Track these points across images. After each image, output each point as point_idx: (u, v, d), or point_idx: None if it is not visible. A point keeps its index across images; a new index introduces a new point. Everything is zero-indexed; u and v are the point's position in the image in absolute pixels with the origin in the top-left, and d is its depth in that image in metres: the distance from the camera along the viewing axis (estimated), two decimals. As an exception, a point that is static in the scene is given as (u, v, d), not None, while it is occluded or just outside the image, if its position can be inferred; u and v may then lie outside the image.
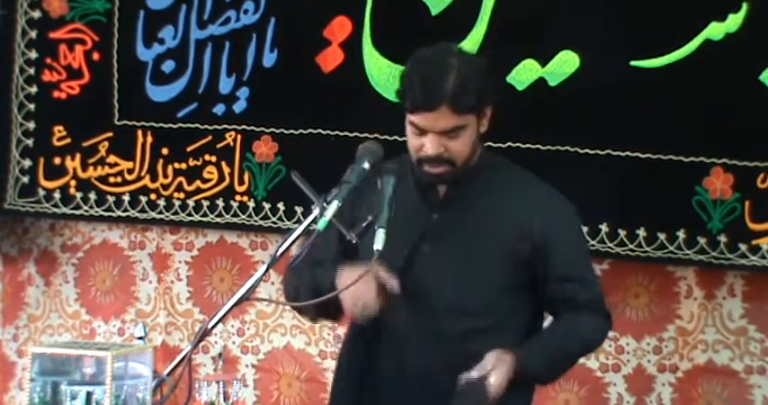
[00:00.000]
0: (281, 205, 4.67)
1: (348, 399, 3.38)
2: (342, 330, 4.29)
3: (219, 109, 4.77)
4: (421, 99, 3.13)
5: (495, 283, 3.23)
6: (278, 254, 3.06)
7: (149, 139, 4.88)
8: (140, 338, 3.02)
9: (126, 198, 4.91)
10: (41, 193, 5.04)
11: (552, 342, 3.26)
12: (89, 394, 2.73)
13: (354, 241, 3.10)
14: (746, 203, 4.02)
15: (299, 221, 3.26)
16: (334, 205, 3.02)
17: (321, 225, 3.00)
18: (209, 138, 4.79)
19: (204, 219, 4.81)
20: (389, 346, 3.27)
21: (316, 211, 3.06)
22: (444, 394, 3.10)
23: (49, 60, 5.03)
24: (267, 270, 3.05)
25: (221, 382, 3.22)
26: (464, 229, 3.25)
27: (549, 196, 3.31)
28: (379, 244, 3.01)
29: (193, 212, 4.81)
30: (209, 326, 3.05)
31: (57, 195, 5.01)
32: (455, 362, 3.14)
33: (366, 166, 3.12)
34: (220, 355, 3.52)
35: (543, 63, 4.24)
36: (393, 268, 3.15)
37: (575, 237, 3.36)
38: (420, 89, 3.12)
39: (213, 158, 4.79)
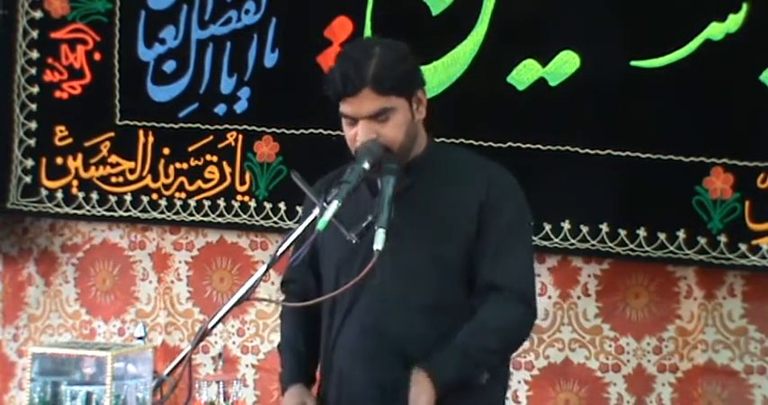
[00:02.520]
0: (282, 205, 4.67)
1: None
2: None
3: (221, 109, 4.77)
4: (343, 85, 3.13)
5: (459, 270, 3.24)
6: (278, 254, 3.07)
7: (151, 138, 4.89)
8: (140, 338, 3.02)
9: (128, 198, 4.91)
10: (44, 192, 5.05)
11: (466, 343, 3.15)
12: (89, 394, 2.74)
13: (354, 241, 3.10)
14: (746, 203, 4.02)
15: (300, 221, 3.25)
16: (334, 205, 3.02)
17: (321, 225, 3.00)
18: (211, 138, 4.79)
19: (206, 219, 4.81)
20: (350, 342, 3.26)
21: (315, 212, 3.07)
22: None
23: (50, 60, 5.04)
24: (267, 270, 3.06)
25: (221, 382, 3.22)
26: (422, 220, 3.24)
27: (499, 171, 3.31)
28: (379, 244, 2.99)
29: (195, 212, 4.82)
30: (209, 326, 3.05)
31: (59, 195, 5.02)
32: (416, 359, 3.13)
33: (366, 166, 3.10)
34: (220, 355, 3.51)
35: (543, 63, 4.24)
36: (356, 267, 3.10)
37: (517, 211, 3.29)
38: (341, 77, 3.13)
39: (214, 158, 4.79)
